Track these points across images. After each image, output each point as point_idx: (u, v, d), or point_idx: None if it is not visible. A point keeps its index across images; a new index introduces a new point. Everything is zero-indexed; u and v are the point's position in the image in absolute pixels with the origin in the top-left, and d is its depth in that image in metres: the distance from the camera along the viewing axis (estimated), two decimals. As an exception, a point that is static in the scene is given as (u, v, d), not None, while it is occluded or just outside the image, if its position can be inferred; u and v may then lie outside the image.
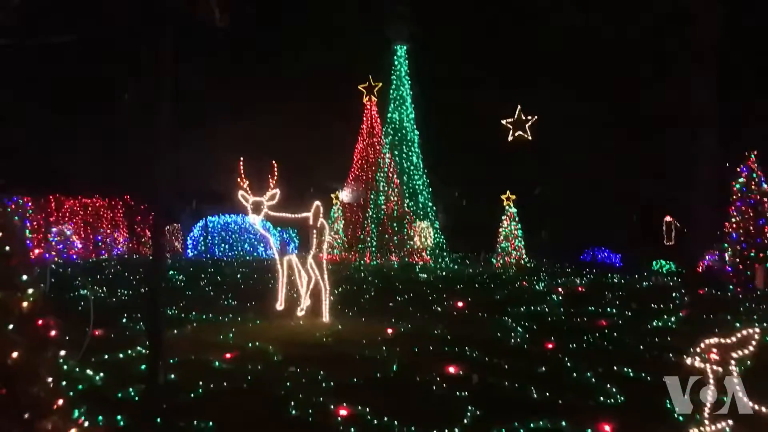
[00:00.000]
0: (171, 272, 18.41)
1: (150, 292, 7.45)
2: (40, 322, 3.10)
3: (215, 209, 25.20)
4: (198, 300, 13.90)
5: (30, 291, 3.01)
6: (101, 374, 7.74)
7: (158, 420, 6.30)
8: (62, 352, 3.64)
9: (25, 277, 3.02)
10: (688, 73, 24.81)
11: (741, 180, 15.74)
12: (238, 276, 17.45)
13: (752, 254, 15.33)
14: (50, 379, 3.27)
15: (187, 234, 25.64)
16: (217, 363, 8.39)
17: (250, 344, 9.47)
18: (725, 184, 17.56)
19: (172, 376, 7.77)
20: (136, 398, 7.01)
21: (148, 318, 7.52)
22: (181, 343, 9.67)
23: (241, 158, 10.96)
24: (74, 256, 23.71)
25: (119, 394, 7.09)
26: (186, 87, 32.16)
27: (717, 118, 24.23)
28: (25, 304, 2.98)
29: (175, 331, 10.44)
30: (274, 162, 11.29)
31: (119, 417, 6.26)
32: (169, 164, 7.42)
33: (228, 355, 8.74)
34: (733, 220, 15.81)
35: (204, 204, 27.64)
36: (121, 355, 8.82)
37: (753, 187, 15.51)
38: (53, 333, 3.24)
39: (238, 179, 10.93)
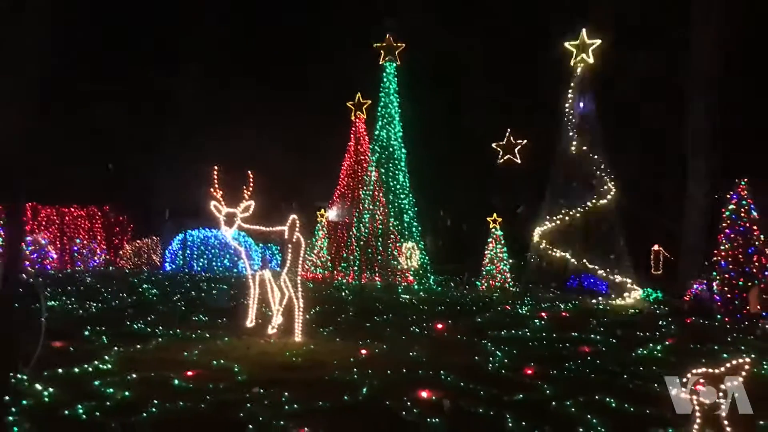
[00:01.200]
0: (144, 286, 17.93)
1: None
2: None
3: (196, 223, 24.73)
4: (168, 315, 13.42)
5: None
6: (51, 389, 7.27)
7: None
8: None
9: None
10: (684, 99, 24.75)
11: (731, 207, 15.49)
12: (213, 292, 16.97)
13: (740, 283, 15.04)
14: None
15: (165, 247, 25.13)
16: (176, 381, 7.92)
17: (214, 362, 9.01)
18: (715, 213, 17.33)
19: (127, 393, 7.33)
20: (84, 416, 6.54)
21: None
22: (142, 358, 9.22)
23: (215, 167, 10.55)
24: (49, 267, 23.16)
25: (66, 411, 6.63)
26: (173, 97, 32.19)
27: (709, 145, 24.09)
28: None
29: (138, 346, 9.98)
30: (250, 172, 10.88)
31: (61, 436, 5.82)
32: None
33: (190, 373, 8.27)
34: (723, 248, 15.53)
35: (184, 217, 27.19)
36: (76, 370, 8.34)
37: (743, 214, 15.26)
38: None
39: (212, 189, 10.51)
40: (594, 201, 20.43)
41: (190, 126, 30.87)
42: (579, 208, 20.65)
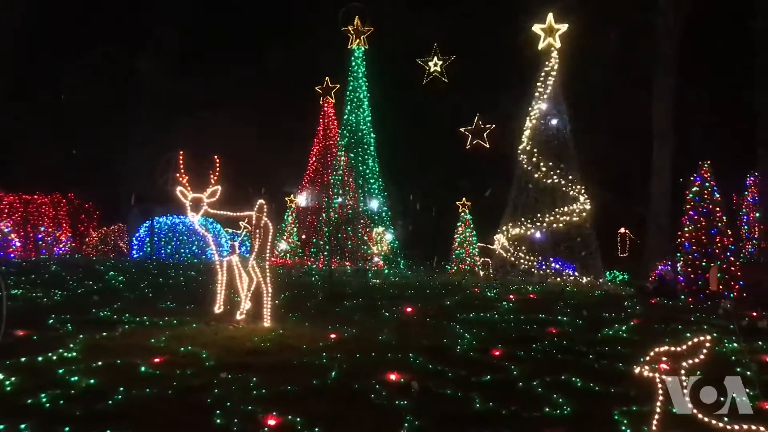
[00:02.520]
0: (111, 273, 17.69)
1: None
2: None
3: (164, 209, 24.41)
4: (135, 302, 13.25)
5: None
6: (13, 378, 7.14)
7: (67, 429, 5.75)
8: None
9: None
10: (648, 85, 25.02)
11: (695, 189, 15.75)
12: (181, 278, 16.81)
13: (704, 264, 15.34)
14: None
15: (133, 234, 24.80)
16: (143, 368, 7.82)
17: (182, 348, 8.91)
18: (680, 196, 17.63)
19: (92, 380, 7.22)
20: (47, 404, 6.43)
21: None
22: (108, 346, 9.08)
23: (180, 151, 10.40)
24: (12, 255, 22.70)
25: (29, 400, 6.51)
26: (141, 83, 31.72)
27: (673, 130, 24.43)
28: None
29: (104, 334, 9.84)
30: (216, 157, 10.76)
31: (23, 425, 5.70)
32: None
33: (157, 360, 8.17)
34: (686, 229, 15.80)
35: (151, 203, 26.83)
36: (40, 358, 8.19)
37: (706, 196, 15.54)
38: None
39: (177, 174, 10.36)
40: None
41: (158, 112, 30.45)
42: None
